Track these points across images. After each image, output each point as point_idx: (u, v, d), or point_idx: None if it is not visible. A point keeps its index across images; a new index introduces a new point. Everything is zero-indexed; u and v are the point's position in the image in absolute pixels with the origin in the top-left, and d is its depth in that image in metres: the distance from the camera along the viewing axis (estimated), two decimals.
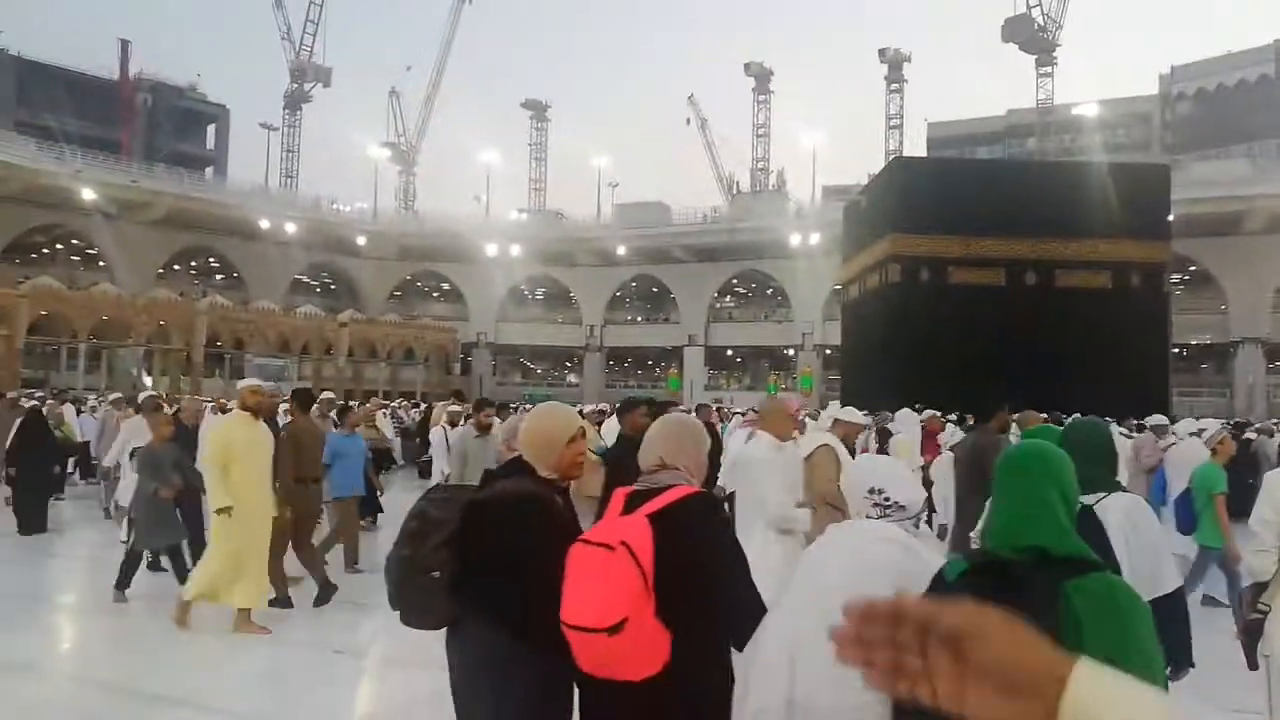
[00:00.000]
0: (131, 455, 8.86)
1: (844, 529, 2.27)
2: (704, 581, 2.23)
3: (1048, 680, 0.73)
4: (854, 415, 6.15)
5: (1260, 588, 3.67)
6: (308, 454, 7.16)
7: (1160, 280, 22.97)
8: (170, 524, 7.06)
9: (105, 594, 6.91)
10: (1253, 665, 3.60)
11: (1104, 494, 2.98)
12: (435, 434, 10.24)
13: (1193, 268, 40.47)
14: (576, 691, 2.47)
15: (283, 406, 10.48)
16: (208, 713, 4.82)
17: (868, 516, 2.25)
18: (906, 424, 7.77)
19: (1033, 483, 1.74)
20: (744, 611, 2.29)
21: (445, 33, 62.22)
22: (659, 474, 2.46)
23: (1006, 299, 21.61)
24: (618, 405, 7.78)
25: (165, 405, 10.85)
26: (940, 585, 1.78)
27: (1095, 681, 0.74)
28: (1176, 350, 32.39)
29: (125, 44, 62.45)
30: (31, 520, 9.99)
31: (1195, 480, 6.41)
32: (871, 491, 2.26)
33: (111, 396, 13.84)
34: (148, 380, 34.83)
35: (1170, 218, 24.21)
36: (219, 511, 6.05)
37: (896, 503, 2.22)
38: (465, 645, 2.56)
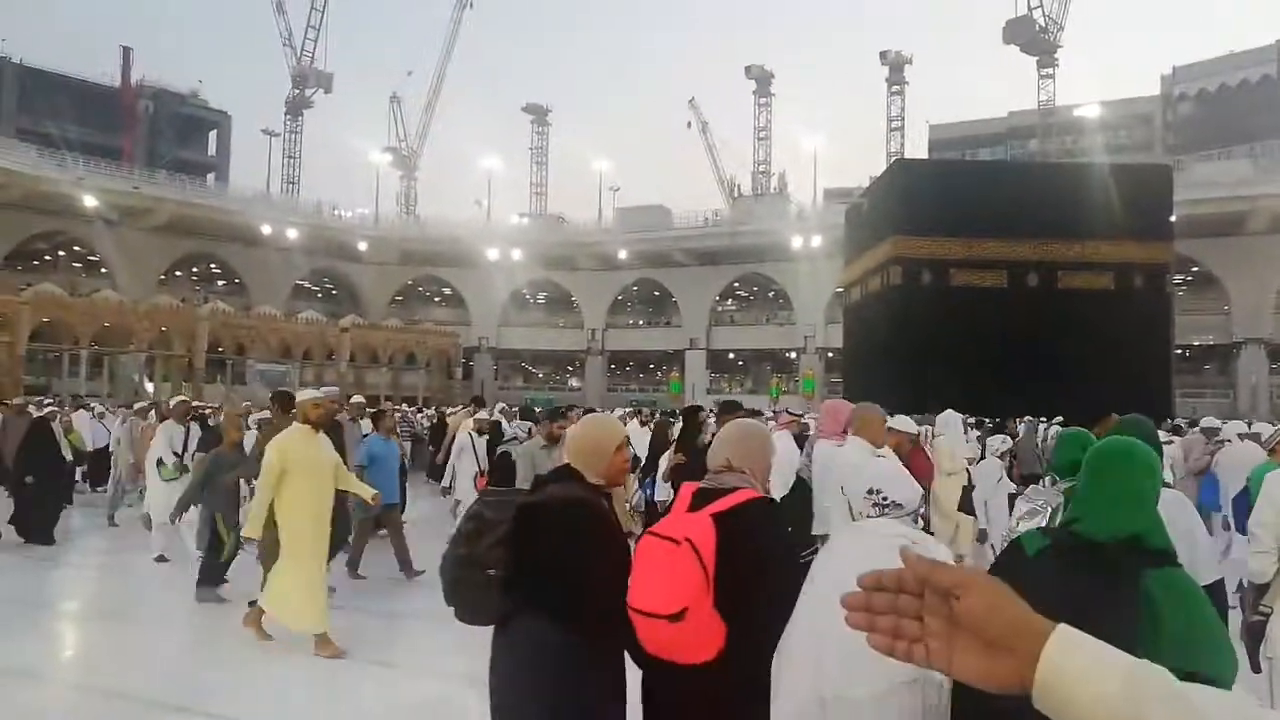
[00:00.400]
0: (159, 463, 8.98)
1: (854, 529, 2.39)
2: (760, 581, 2.39)
3: (1025, 637, 0.79)
4: (906, 424, 6.07)
5: (1261, 590, 3.64)
6: None
7: (1163, 281, 22.90)
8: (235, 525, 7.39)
9: (108, 601, 6.93)
10: (1255, 668, 3.57)
11: None
12: (461, 439, 9.95)
13: (1195, 268, 40.42)
14: (638, 674, 2.62)
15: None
16: (207, 718, 4.80)
17: (867, 516, 2.36)
18: (949, 426, 7.71)
19: (1130, 475, 1.87)
20: (786, 616, 2.43)
21: (446, 37, 62.41)
22: (725, 475, 2.60)
23: (1009, 301, 21.56)
24: (716, 406, 7.81)
25: (192, 410, 10.86)
26: (1018, 555, 1.97)
27: (1072, 645, 0.78)
28: (1179, 351, 32.29)
29: (127, 51, 62.70)
30: (37, 530, 9.83)
31: (1254, 479, 6.38)
32: (870, 492, 2.37)
33: (137, 405, 13.86)
34: (150, 387, 34.82)
35: (1172, 219, 24.17)
36: (246, 539, 5.88)
37: (894, 501, 2.34)
38: (515, 642, 2.71)
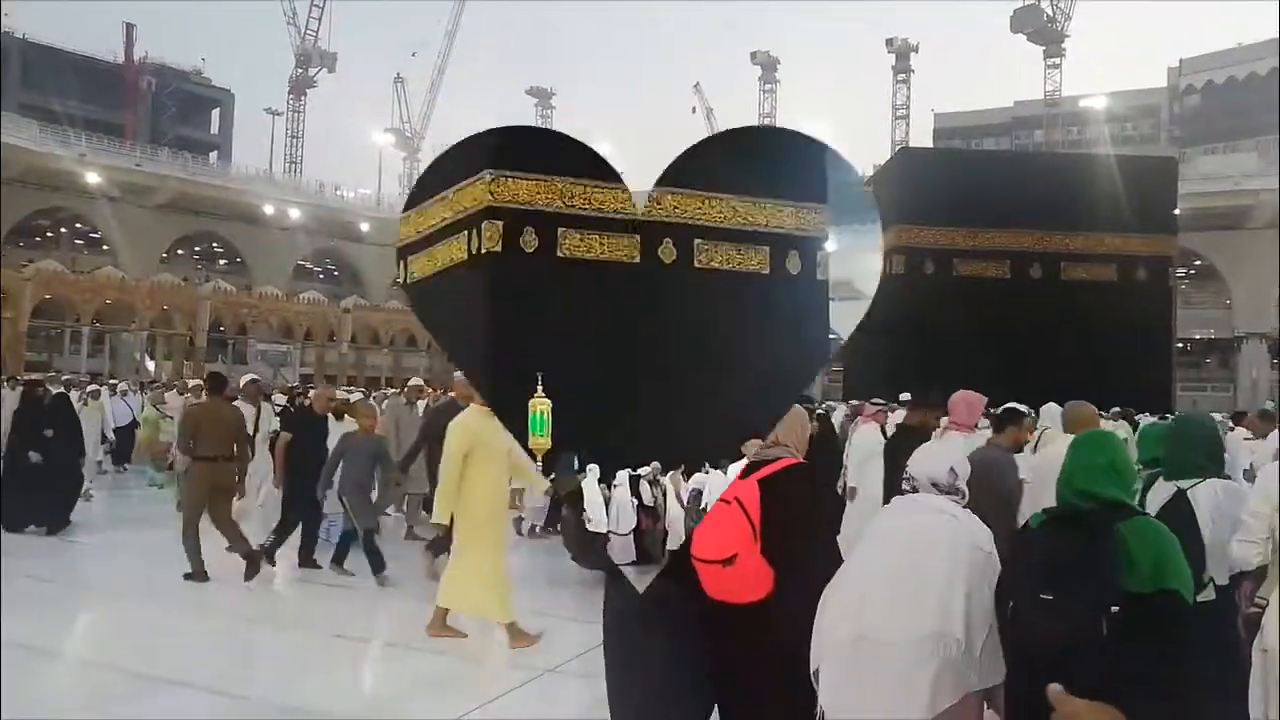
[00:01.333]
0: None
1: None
2: (800, 532, 2.90)
3: None
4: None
5: (1257, 582, 3.66)
6: (212, 431, 7.30)
7: (1166, 274, 22.85)
8: (371, 505, 7.55)
9: (124, 580, 6.90)
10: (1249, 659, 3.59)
11: (1198, 480, 3.57)
12: None
13: (1198, 262, 40.38)
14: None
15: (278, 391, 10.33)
16: (209, 694, 4.83)
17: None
18: (1057, 421, 7.64)
19: (1090, 454, 2.42)
20: (824, 561, 2.82)
21: (450, 18, 62.07)
22: (770, 449, 3.19)
23: (1011, 292, 21.54)
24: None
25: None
26: (1027, 530, 2.45)
27: None
28: (1181, 344, 32.28)
29: (130, 28, 62.22)
30: (46, 511, 9.34)
31: None
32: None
33: (191, 383, 13.81)
34: (150, 365, 34.85)
35: (1177, 212, 24.12)
36: (435, 525, 5.56)
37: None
38: (626, 588, 3.37)
